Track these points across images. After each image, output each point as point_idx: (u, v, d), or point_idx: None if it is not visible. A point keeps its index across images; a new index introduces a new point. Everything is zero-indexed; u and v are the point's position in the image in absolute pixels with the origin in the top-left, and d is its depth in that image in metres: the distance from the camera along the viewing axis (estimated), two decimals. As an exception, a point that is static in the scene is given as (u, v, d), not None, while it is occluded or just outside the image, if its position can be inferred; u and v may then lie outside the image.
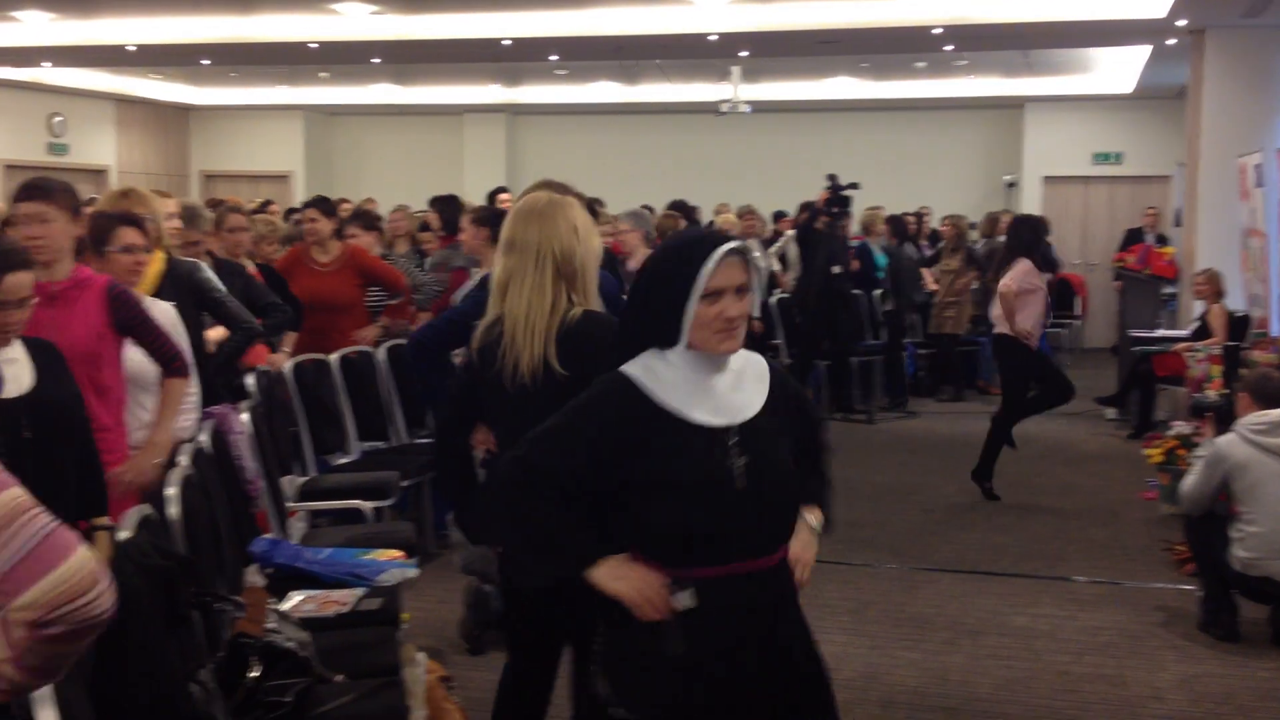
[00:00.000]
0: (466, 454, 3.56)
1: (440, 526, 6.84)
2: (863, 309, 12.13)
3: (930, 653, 5.42)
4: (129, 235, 4.46)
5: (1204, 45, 11.15)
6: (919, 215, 14.15)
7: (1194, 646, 5.51)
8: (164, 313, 4.45)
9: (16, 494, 1.80)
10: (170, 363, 4.20)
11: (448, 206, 8.30)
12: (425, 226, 9.17)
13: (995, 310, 8.19)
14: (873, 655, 5.37)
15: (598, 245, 3.44)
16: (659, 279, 2.63)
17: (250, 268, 6.43)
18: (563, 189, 4.00)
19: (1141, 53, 13.34)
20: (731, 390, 2.63)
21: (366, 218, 8.36)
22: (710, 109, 14.81)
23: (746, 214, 12.10)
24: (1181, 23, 10.89)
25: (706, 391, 2.60)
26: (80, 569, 1.74)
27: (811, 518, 2.79)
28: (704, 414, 2.58)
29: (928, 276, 12.62)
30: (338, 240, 7.38)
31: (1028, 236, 8.23)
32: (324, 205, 7.56)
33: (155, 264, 4.85)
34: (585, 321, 3.24)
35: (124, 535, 3.12)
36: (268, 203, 11.46)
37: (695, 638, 2.56)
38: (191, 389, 4.45)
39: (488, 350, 3.29)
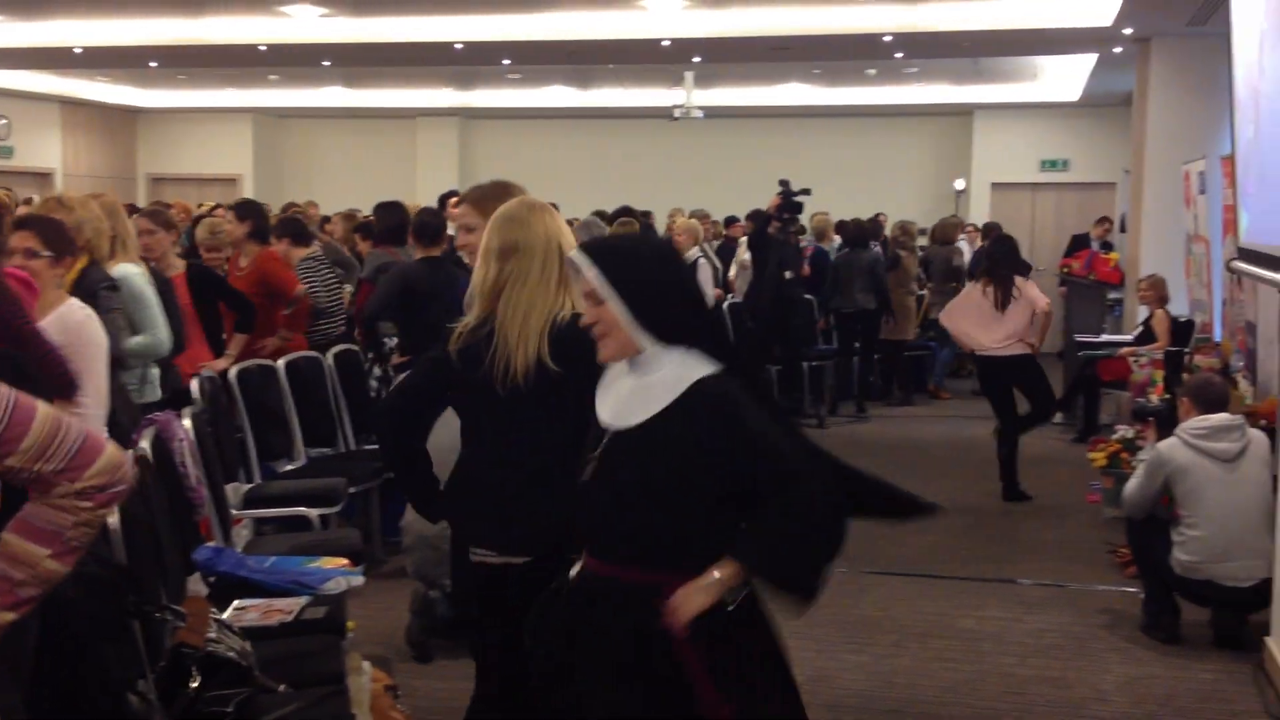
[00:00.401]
0: (421, 451, 3.49)
1: (388, 534, 6.81)
2: (815, 314, 12.21)
3: (877, 656, 5.46)
4: (15, 240, 4.35)
5: (1149, 54, 11.29)
6: (875, 220, 14.23)
7: (1137, 648, 5.57)
8: (61, 321, 4.29)
9: (48, 409, 2.20)
10: (53, 379, 4.05)
11: (387, 213, 8.18)
12: (364, 228, 9.11)
13: (1014, 332, 8.30)
14: (820, 659, 5.39)
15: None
16: None
17: (175, 271, 6.39)
18: (506, 189, 4.00)
19: (1088, 61, 13.50)
20: (631, 395, 2.73)
21: (286, 225, 8.20)
22: (663, 114, 14.84)
23: (703, 217, 12.14)
24: (1127, 31, 11.03)
25: (613, 391, 2.78)
26: (116, 450, 2.24)
27: (719, 570, 2.62)
28: (601, 408, 2.79)
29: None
30: (257, 244, 7.33)
31: (1016, 252, 8.71)
32: (240, 208, 7.54)
33: (72, 272, 4.77)
34: (574, 324, 3.25)
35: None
36: (216, 207, 11.34)
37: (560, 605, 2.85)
38: (84, 407, 4.24)
39: (472, 352, 3.24)
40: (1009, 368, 8.37)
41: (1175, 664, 5.39)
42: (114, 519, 3.58)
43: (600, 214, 10.14)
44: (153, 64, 14.56)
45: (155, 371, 5.55)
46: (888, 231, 14.14)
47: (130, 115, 18.99)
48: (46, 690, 2.75)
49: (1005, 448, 8.45)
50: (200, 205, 12.11)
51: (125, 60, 14.45)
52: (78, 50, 13.21)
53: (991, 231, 14.00)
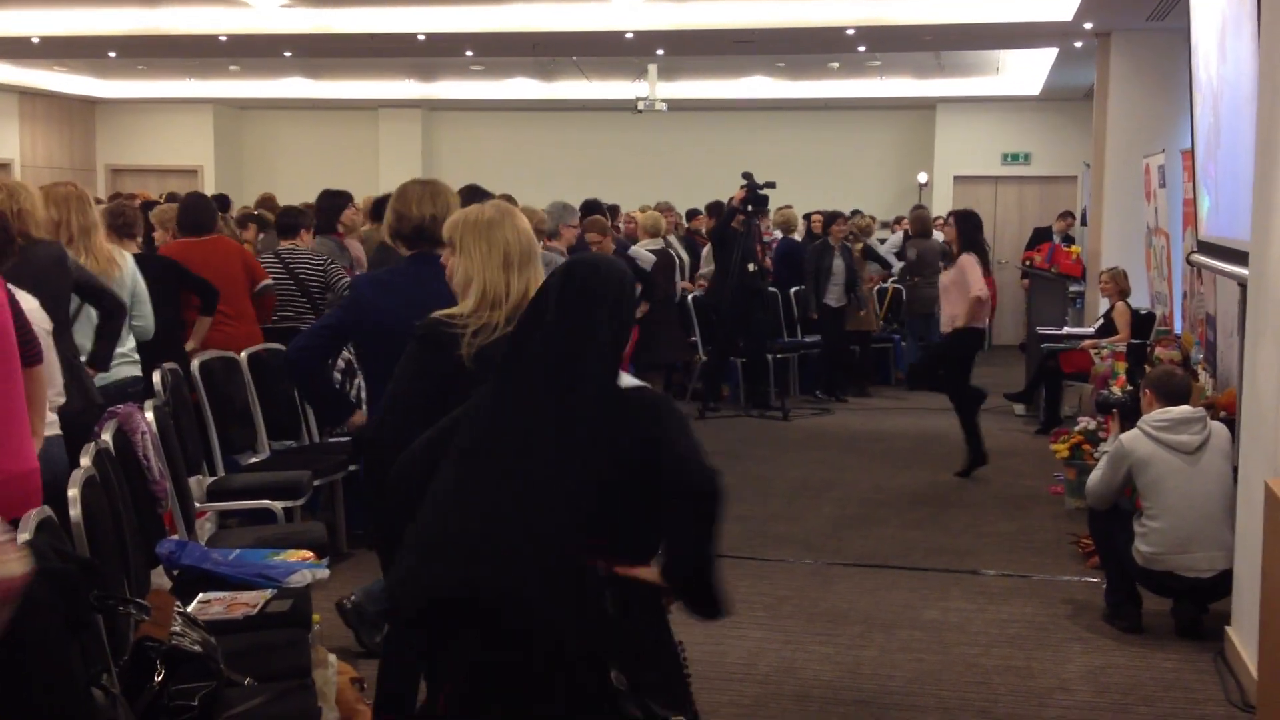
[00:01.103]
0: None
1: (352, 526, 6.78)
2: (780, 307, 12.25)
3: (843, 647, 5.47)
4: None
5: (1109, 48, 11.38)
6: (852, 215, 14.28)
7: (1099, 638, 5.61)
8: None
9: None
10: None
11: (327, 201, 8.19)
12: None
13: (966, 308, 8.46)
14: (787, 650, 5.40)
15: None
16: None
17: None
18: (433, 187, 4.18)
19: (1049, 55, 13.59)
20: None
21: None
22: (627, 106, 14.83)
23: (667, 209, 12.14)
24: (1088, 25, 11.11)
25: None
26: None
27: None
28: None
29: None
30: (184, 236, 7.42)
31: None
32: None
33: None
34: None
35: (23, 538, 3.04)
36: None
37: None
38: None
39: (488, 354, 3.16)
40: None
41: (1137, 653, 5.43)
42: (76, 512, 3.55)
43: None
44: (112, 54, 14.41)
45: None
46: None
47: (89, 106, 18.79)
48: (7, 686, 2.71)
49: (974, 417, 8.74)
50: (160, 197, 12.02)
51: (84, 50, 14.29)
52: (35, 40, 13.06)
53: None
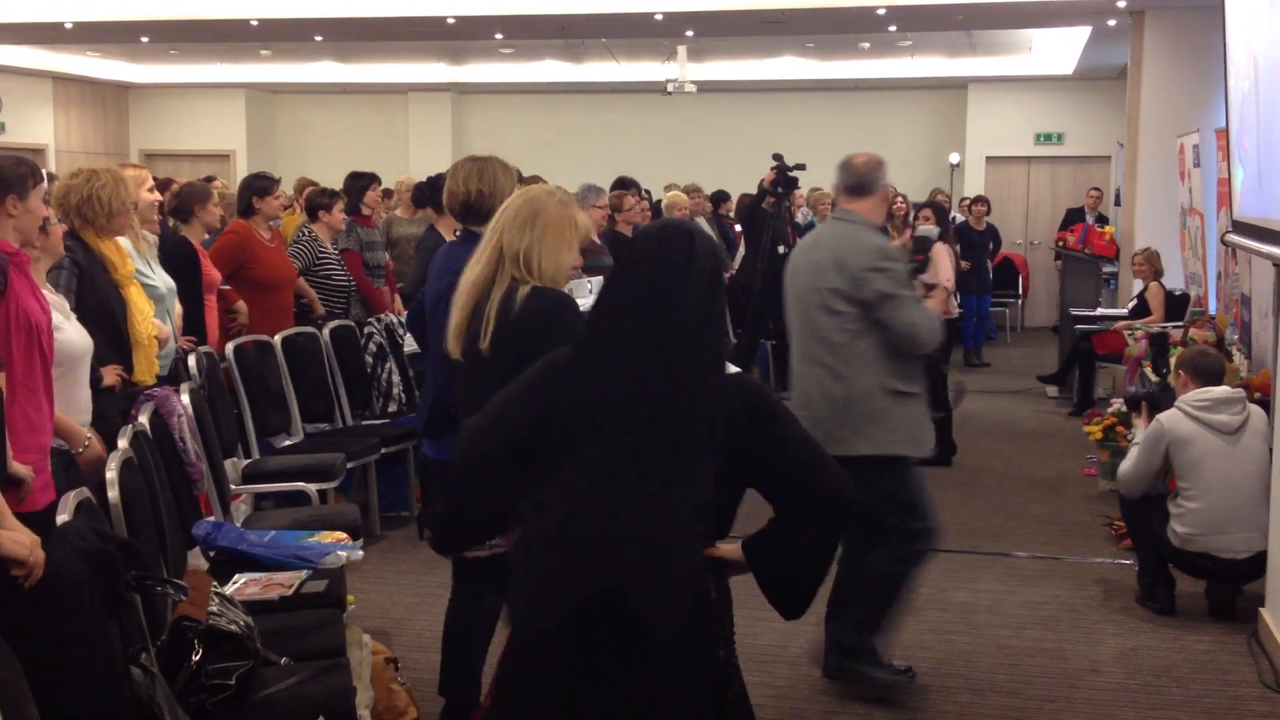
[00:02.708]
0: None
1: (385, 509, 6.82)
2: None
3: (874, 629, 5.47)
4: None
5: (1143, 26, 11.28)
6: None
7: (1132, 620, 5.59)
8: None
9: None
10: None
11: (350, 183, 8.21)
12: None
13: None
14: (818, 631, 5.38)
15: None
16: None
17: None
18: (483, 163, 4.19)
19: (1081, 34, 13.47)
20: None
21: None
22: (656, 88, 14.80)
23: (693, 192, 12.11)
24: (1121, 4, 11.02)
25: None
26: None
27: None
28: None
29: None
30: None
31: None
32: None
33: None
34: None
35: (62, 518, 3.09)
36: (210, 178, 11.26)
37: None
38: None
39: None
40: None
41: (1170, 635, 5.42)
42: (114, 493, 3.59)
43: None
44: (144, 39, 14.49)
45: None
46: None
47: (122, 90, 18.90)
48: (48, 664, 2.76)
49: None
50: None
51: (116, 35, 14.37)
52: (69, 25, 13.14)
53: (980, 205, 14.04)
